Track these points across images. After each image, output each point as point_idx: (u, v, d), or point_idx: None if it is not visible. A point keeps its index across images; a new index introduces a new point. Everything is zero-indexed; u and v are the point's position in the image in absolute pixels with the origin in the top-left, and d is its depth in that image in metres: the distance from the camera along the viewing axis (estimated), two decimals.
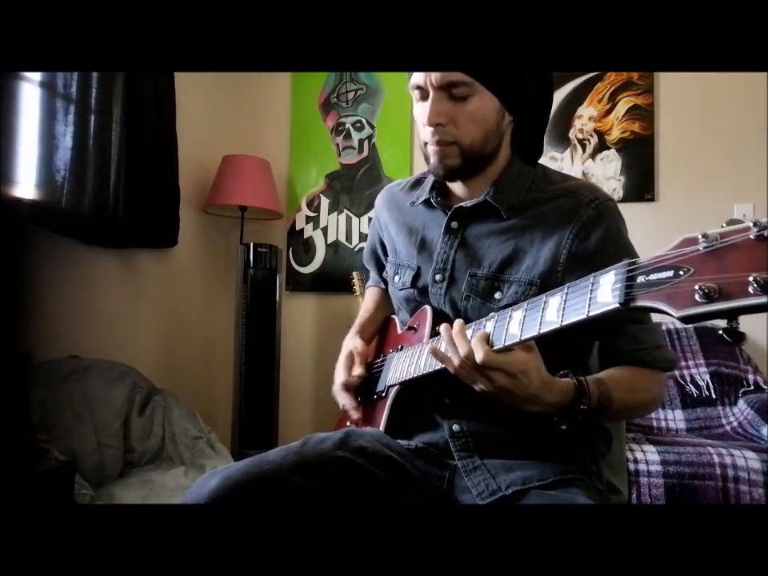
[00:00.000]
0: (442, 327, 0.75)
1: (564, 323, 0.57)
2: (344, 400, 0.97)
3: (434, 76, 0.79)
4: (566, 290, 0.59)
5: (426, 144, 0.86)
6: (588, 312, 0.54)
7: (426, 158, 0.89)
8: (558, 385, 0.73)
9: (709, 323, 1.87)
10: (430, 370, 0.79)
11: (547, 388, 0.71)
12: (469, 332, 0.72)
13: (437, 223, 0.93)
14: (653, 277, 0.48)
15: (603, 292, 0.53)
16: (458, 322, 0.73)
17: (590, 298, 0.55)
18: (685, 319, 0.45)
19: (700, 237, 0.46)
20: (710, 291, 0.43)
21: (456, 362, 0.70)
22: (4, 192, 1.49)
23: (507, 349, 0.67)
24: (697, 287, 0.44)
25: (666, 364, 0.84)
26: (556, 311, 0.59)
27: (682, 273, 0.46)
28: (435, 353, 0.74)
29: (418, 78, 0.82)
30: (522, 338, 0.64)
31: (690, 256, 0.46)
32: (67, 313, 1.78)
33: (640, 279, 0.49)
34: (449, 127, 0.82)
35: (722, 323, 0.45)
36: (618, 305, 0.51)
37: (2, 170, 1.44)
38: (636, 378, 0.82)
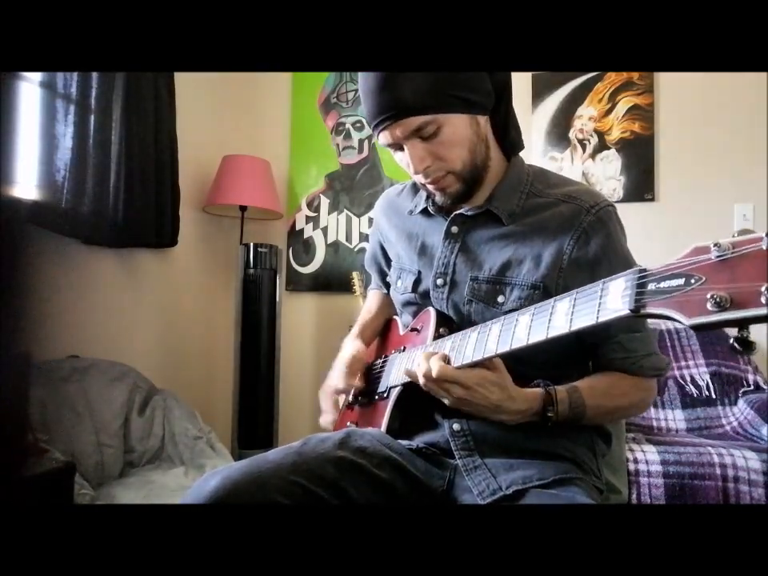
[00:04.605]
0: (414, 352, 0.84)
1: (573, 328, 0.58)
2: (325, 402, 1.01)
3: (399, 130, 0.80)
4: (574, 296, 0.59)
5: (423, 185, 0.88)
6: (597, 318, 0.55)
7: (429, 195, 0.91)
8: (524, 395, 0.76)
9: None
10: None
11: (511, 399, 0.74)
12: (474, 334, 0.74)
13: (436, 229, 0.93)
14: (664, 284, 0.48)
15: (613, 298, 0.53)
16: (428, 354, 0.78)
17: (600, 304, 0.55)
18: (696, 327, 0.46)
19: (712, 246, 0.46)
20: (721, 300, 0.43)
21: (421, 379, 0.75)
22: (4, 192, 1.49)
23: (477, 364, 0.72)
24: (709, 296, 0.44)
25: (653, 372, 0.86)
26: (564, 316, 0.59)
27: (693, 281, 0.46)
28: (407, 373, 0.80)
29: (384, 138, 0.83)
30: (531, 341, 0.65)
31: (701, 264, 0.46)
32: (67, 313, 1.78)
33: (651, 286, 0.50)
34: (435, 164, 0.82)
35: (731, 332, 0.45)
36: (628, 311, 0.51)
37: (2, 169, 1.44)
38: (616, 383, 0.84)
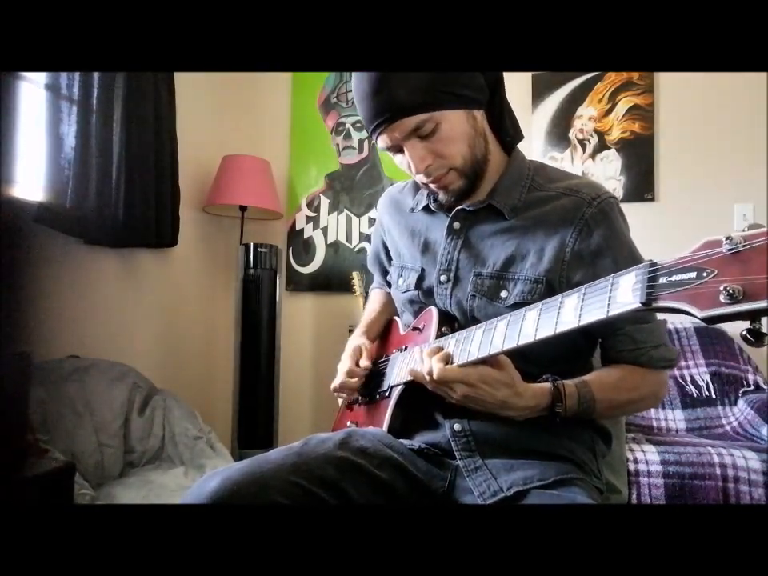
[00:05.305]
0: (416, 350, 0.85)
1: (582, 323, 0.57)
2: (345, 389, 0.99)
3: (397, 131, 0.80)
4: (583, 290, 0.59)
5: (425, 185, 0.88)
6: (608, 312, 0.54)
7: (433, 193, 0.91)
8: (531, 390, 0.75)
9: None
10: None
11: (518, 395, 0.74)
12: (479, 332, 0.73)
13: (439, 225, 0.93)
14: (675, 278, 0.48)
15: (623, 292, 0.53)
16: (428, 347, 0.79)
17: (610, 298, 0.54)
18: (709, 320, 0.46)
19: (723, 239, 0.46)
20: (734, 292, 0.44)
21: (425, 378, 0.75)
22: (6, 192, 1.49)
23: (483, 361, 0.72)
24: (721, 288, 0.44)
25: (662, 363, 0.84)
26: (573, 311, 0.59)
27: (705, 274, 0.46)
28: (411, 372, 0.79)
29: (383, 141, 0.83)
30: (522, 342, 0.65)
31: (713, 258, 0.46)
32: (67, 313, 1.78)
33: (662, 280, 0.49)
34: (436, 162, 0.83)
35: (742, 324, 0.45)
36: (639, 304, 0.51)
37: (6, 170, 1.45)
38: (626, 376, 0.83)
